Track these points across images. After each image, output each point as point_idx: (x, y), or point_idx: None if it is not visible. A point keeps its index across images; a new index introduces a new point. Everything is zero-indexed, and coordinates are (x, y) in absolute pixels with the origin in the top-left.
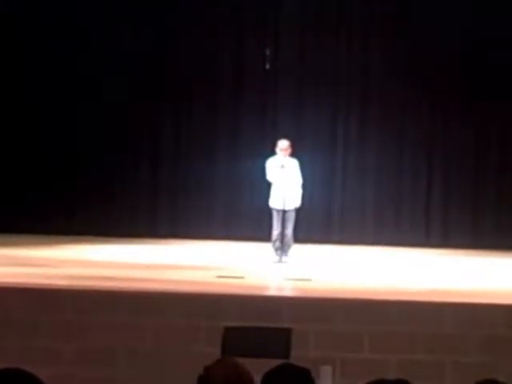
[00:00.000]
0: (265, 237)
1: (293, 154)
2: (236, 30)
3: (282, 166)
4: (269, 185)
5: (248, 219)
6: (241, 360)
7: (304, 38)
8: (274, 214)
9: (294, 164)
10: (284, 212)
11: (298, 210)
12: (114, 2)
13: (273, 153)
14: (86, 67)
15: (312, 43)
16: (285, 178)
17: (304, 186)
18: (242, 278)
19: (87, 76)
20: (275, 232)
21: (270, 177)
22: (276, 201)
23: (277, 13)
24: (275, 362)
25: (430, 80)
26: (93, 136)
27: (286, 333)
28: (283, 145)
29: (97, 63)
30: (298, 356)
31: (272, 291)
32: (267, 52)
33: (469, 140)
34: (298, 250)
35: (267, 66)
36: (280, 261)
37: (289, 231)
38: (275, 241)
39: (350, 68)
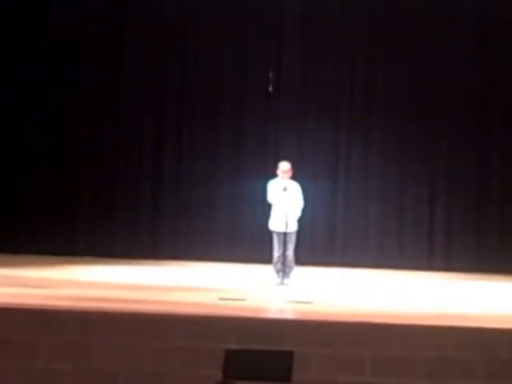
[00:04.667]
0: (266, 259)
1: (293, 177)
2: (239, 53)
3: (285, 189)
4: (270, 207)
5: (249, 241)
6: (242, 383)
7: (306, 62)
8: (275, 237)
9: (296, 187)
10: (285, 234)
11: (299, 233)
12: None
13: (274, 175)
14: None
15: (315, 66)
16: (286, 200)
17: (306, 209)
18: (243, 300)
19: (86, 97)
20: (276, 254)
21: (270, 198)
22: (276, 223)
23: (279, 36)
24: None
25: (432, 105)
26: (94, 157)
27: (288, 356)
28: (285, 167)
29: (94, 87)
30: (300, 379)
31: (273, 314)
32: (270, 75)
33: (472, 165)
34: (300, 273)
35: (270, 89)
36: (281, 283)
37: (290, 253)
38: (276, 263)
39: (353, 92)
